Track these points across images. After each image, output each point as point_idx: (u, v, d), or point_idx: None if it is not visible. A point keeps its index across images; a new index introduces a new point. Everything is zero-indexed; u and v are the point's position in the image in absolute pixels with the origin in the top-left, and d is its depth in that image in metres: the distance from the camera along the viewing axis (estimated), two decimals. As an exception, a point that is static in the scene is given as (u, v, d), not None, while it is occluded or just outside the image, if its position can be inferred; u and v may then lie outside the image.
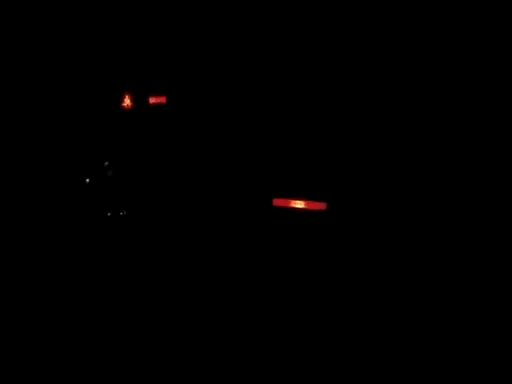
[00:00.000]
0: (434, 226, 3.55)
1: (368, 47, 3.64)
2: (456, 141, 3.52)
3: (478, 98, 3.49)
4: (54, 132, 4.02)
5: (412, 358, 3.14)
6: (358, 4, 3.58)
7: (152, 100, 3.93)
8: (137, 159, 4.08)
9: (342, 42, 3.68)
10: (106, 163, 4.09)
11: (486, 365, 3.08)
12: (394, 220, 3.60)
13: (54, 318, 3.48)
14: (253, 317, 3.48)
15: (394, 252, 3.57)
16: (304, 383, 3.02)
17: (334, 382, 3.02)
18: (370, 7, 3.56)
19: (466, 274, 3.45)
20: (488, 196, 3.47)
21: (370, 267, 3.58)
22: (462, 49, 3.49)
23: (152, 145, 4.06)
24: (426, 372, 3.06)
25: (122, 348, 3.27)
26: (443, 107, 3.56)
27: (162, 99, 3.93)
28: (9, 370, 3.05)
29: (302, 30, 3.73)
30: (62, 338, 3.33)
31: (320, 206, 3.67)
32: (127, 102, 3.97)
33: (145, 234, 4.00)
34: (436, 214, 3.55)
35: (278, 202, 3.74)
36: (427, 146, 3.57)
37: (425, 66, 3.56)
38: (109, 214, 4.09)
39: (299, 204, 3.70)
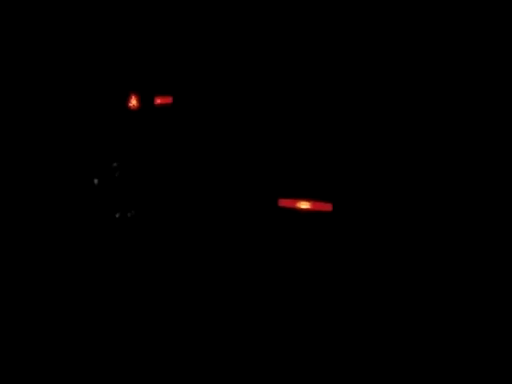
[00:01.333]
0: (444, 229, 3.48)
1: (371, 47, 3.61)
2: (463, 141, 3.46)
3: (480, 98, 3.43)
4: (61, 133, 4.07)
5: (418, 358, 3.09)
6: (358, 4, 3.56)
7: (158, 100, 3.94)
8: (144, 160, 4.10)
9: (348, 42, 3.65)
10: (115, 164, 4.12)
11: (486, 365, 3.01)
12: (401, 221, 3.54)
13: (62, 320, 3.50)
14: (257, 318, 3.46)
15: (402, 254, 3.51)
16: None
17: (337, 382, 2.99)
18: (370, 7, 3.53)
19: (477, 273, 3.37)
20: (498, 199, 3.39)
21: (377, 269, 3.53)
22: (462, 49, 3.44)
23: (159, 145, 4.07)
24: (427, 372, 3.01)
25: (129, 349, 3.28)
26: (449, 108, 3.50)
27: (169, 99, 3.94)
28: (9, 370, 3.07)
29: (307, 31, 3.72)
30: (67, 339, 3.35)
31: (326, 206, 3.63)
32: (133, 102, 3.99)
33: (153, 235, 4.01)
34: (446, 215, 3.48)
35: (283, 203, 3.71)
36: (435, 147, 3.51)
37: (427, 66, 3.51)
38: (117, 215, 4.11)
39: (305, 205, 3.66)
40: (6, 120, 4.00)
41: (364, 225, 3.59)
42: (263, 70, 3.83)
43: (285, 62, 3.79)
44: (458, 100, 3.49)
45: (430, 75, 3.53)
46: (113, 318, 3.55)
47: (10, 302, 3.61)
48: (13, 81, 4.01)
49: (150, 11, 3.91)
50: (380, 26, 3.55)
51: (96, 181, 4.11)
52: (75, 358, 3.18)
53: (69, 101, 4.07)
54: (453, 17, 3.40)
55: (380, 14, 3.53)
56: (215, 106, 3.93)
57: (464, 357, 3.09)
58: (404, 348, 3.21)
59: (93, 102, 4.06)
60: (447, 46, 3.46)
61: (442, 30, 3.45)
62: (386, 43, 3.57)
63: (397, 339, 3.26)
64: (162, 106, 3.96)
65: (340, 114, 3.68)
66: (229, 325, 3.45)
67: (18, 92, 4.02)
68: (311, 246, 3.66)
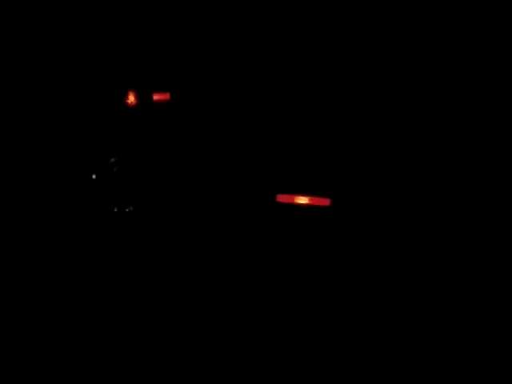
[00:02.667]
0: (442, 225, 3.52)
1: (371, 44, 3.61)
2: (459, 138, 3.49)
3: (479, 97, 3.45)
4: (59, 129, 4.06)
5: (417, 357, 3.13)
6: (358, 4, 3.55)
7: (156, 97, 3.93)
8: (142, 155, 4.10)
9: (347, 39, 3.65)
10: (113, 159, 4.12)
11: (486, 365, 3.06)
12: (399, 216, 3.58)
13: (59, 315, 3.52)
14: (256, 313, 3.49)
15: (400, 249, 3.55)
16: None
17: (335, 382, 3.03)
18: (370, 7, 3.53)
19: (471, 270, 3.43)
20: (490, 191, 3.44)
21: (376, 264, 3.56)
22: (462, 49, 3.46)
23: (157, 141, 4.07)
24: (426, 372, 3.05)
25: (126, 347, 3.30)
26: (446, 104, 3.52)
27: (166, 96, 3.94)
28: (9, 370, 3.07)
29: (305, 27, 3.71)
30: (64, 336, 3.36)
31: (324, 201, 3.66)
32: (131, 98, 3.98)
33: (151, 229, 4.03)
34: (443, 212, 3.52)
35: (281, 198, 3.73)
36: (432, 142, 3.54)
37: (427, 64, 3.53)
38: (115, 210, 4.12)
39: (303, 200, 3.68)
40: (6, 116, 3.99)
41: (362, 219, 3.62)
42: (261, 66, 3.83)
43: (282, 59, 3.78)
44: (446, 98, 3.52)
45: (420, 75, 3.55)
46: (111, 310, 3.58)
47: (8, 293, 3.63)
48: (12, 78, 3.98)
49: (147, 9, 3.89)
50: (380, 26, 3.56)
51: (94, 176, 4.11)
52: (70, 349, 3.20)
53: (67, 97, 4.05)
54: (453, 17, 3.41)
55: (380, 15, 3.54)
56: (213, 102, 3.93)
57: (463, 354, 3.14)
58: (398, 340, 3.26)
59: (91, 98, 4.05)
60: (447, 46, 3.47)
61: (441, 30, 3.46)
62: (383, 43, 3.58)
63: (393, 332, 3.31)
64: (159, 102, 3.96)
65: (337, 111, 3.69)
66: (227, 317, 3.48)
67: (18, 89, 4.00)
68: (310, 241, 3.68)
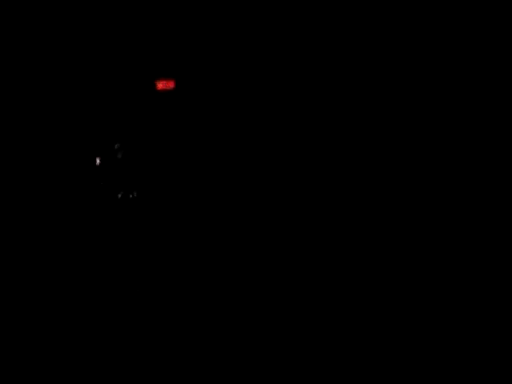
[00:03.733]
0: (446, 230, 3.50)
1: (368, 46, 3.54)
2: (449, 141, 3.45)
3: (478, 98, 3.38)
4: (65, 116, 4.06)
5: (412, 357, 3.14)
6: (358, 4, 3.47)
7: (160, 85, 3.90)
8: (147, 142, 4.10)
9: (347, 39, 3.58)
10: (117, 145, 4.12)
11: (486, 365, 3.06)
12: (394, 217, 3.56)
13: (63, 303, 3.57)
14: (252, 311, 3.52)
15: (396, 250, 3.53)
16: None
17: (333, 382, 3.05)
18: (370, 7, 3.45)
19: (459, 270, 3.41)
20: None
21: (371, 265, 3.56)
22: (461, 49, 3.38)
23: (162, 128, 4.07)
24: (425, 372, 3.06)
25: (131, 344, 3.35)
26: (436, 107, 3.47)
27: (171, 84, 3.91)
28: (9, 370, 3.12)
29: (310, 19, 3.64)
30: (68, 331, 3.41)
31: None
32: (137, 86, 3.96)
33: (154, 216, 4.05)
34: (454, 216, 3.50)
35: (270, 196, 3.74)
36: (431, 146, 3.50)
37: (423, 66, 3.46)
38: (119, 196, 4.14)
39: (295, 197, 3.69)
40: (10, 105, 4.00)
41: (358, 219, 3.60)
42: (268, 54, 3.77)
43: (288, 51, 3.72)
44: (440, 95, 3.46)
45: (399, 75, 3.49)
46: (111, 301, 3.63)
47: (10, 277, 3.69)
48: (15, 68, 3.98)
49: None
50: (380, 26, 3.48)
51: (98, 161, 4.13)
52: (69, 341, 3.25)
53: (72, 84, 4.04)
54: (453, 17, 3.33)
55: (380, 14, 3.46)
56: (218, 91, 3.90)
57: (463, 356, 3.14)
58: (393, 341, 3.28)
59: (95, 84, 4.04)
60: (447, 46, 3.40)
61: (441, 30, 3.38)
62: (382, 44, 3.50)
63: (389, 333, 3.32)
64: (164, 89, 3.93)
65: (321, 115, 3.66)
66: (226, 313, 3.52)
67: (21, 77, 3.99)
68: (302, 241, 3.68)
